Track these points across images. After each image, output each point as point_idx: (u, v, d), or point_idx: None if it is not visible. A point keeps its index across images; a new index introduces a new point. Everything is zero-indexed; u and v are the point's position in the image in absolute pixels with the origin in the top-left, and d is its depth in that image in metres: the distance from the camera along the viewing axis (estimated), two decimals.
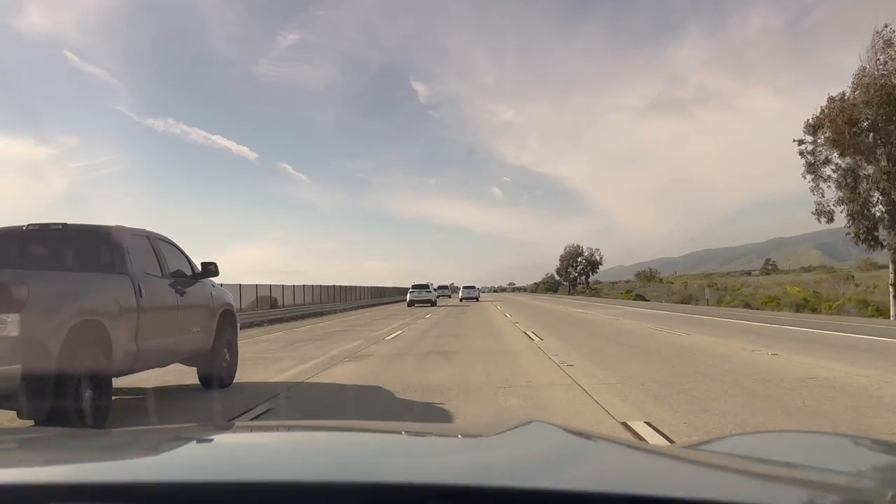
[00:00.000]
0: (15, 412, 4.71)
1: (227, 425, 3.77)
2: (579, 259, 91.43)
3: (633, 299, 52.05)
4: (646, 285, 72.06)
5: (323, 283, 38.34)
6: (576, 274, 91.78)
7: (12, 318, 4.30)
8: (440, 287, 59.84)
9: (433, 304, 41.44)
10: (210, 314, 7.45)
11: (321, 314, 31.00)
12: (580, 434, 1.50)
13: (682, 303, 40.86)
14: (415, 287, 43.25)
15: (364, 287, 50.76)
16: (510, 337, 14.62)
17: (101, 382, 5.16)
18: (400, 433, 1.71)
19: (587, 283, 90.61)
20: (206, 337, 7.34)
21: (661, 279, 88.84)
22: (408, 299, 42.53)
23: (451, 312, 29.19)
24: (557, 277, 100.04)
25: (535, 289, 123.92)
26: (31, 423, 4.86)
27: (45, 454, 1.38)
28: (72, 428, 4.39)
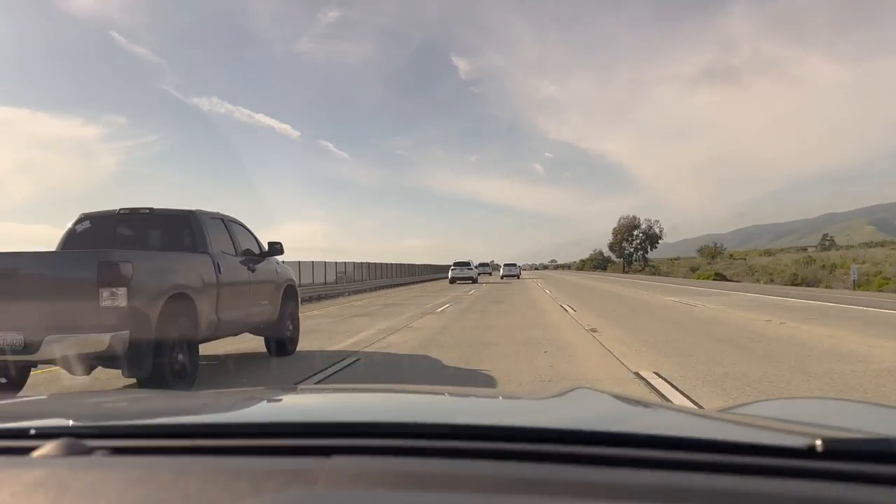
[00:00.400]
0: (120, 371, 5.45)
1: (293, 388, 3.84)
2: (636, 233, 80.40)
3: (711, 279, 42.20)
4: (711, 262, 60.91)
5: (362, 261, 39.24)
6: (631, 249, 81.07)
7: (121, 291, 5.01)
8: (481, 264, 60.48)
9: (474, 281, 42.09)
10: (276, 289, 8.15)
11: (363, 291, 31.94)
12: (627, 399, 1.53)
13: (796, 284, 30.35)
14: (456, 264, 43.98)
15: (403, 264, 51.62)
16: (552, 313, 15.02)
17: (190, 347, 5.89)
18: (453, 396, 1.77)
19: (645, 259, 79.96)
20: (273, 309, 8.05)
21: (731, 255, 74.82)
22: (449, 276, 43.30)
23: (493, 289, 29.74)
24: (609, 254, 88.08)
25: (582, 266, 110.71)
26: (133, 381, 5.62)
27: (162, 405, 1.48)
28: (164, 390, 5.13)
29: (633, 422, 1.24)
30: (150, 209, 6.77)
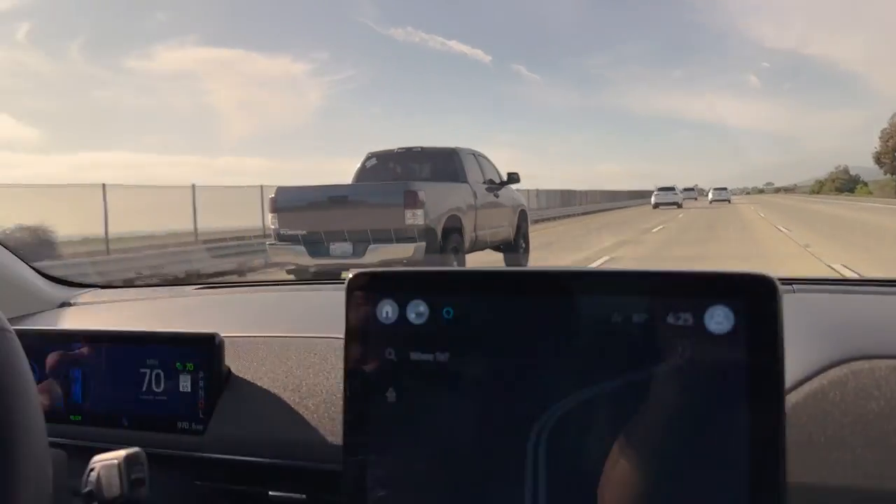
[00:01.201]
0: None
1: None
2: None
3: None
4: None
5: (553, 188, 39.94)
6: None
7: (420, 213, 6.66)
8: (685, 189, 58.20)
9: (679, 206, 41.05)
10: (513, 212, 9.57)
11: (560, 217, 32.91)
12: None
13: None
14: (660, 189, 43.10)
15: (599, 191, 51.37)
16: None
17: (458, 257, 7.51)
18: None
19: None
20: (510, 229, 9.50)
21: None
22: (653, 202, 42.57)
23: (702, 214, 29.14)
24: (877, 166, 52.35)
25: (819, 189, 75.31)
26: None
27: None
28: None
29: None
30: (422, 147, 8.41)
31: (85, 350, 0.82)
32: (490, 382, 0.55)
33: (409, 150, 8.47)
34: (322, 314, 1.01)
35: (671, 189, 43.09)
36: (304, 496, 0.70)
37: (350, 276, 0.58)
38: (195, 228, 15.06)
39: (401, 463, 0.57)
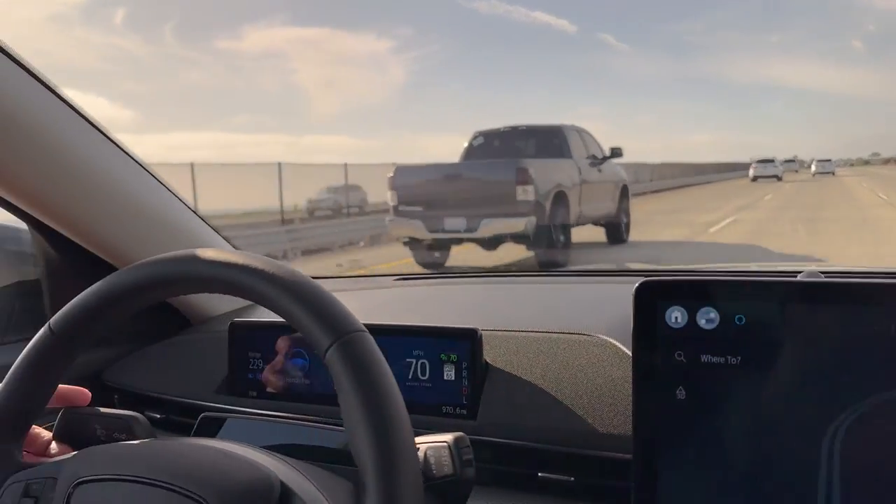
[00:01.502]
0: (524, 247, 7.57)
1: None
2: None
3: None
4: None
5: (642, 161, 38.88)
6: None
7: (530, 189, 6.99)
8: (786, 161, 55.43)
9: (779, 178, 39.27)
10: (615, 187, 9.71)
11: (657, 191, 32.19)
12: None
13: None
14: (759, 162, 41.35)
15: (691, 164, 49.56)
16: None
17: (565, 231, 7.79)
18: None
19: None
20: (613, 205, 9.66)
21: None
22: (751, 174, 40.90)
23: (804, 187, 27.89)
24: None
25: None
26: (519, 257, 7.73)
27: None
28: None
29: None
30: (527, 125, 8.70)
31: None
32: (782, 386, 0.58)
33: (514, 128, 8.78)
34: (548, 307, 1.06)
35: (770, 161, 41.29)
36: (571, 478, 0.73)
37: (638, 284, 0.62)
38: (281, 206, 15.81)
39: (690, 455, 0.60)
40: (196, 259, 0.57)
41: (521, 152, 8.58)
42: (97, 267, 1.02)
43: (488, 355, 0.84)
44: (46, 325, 0.61)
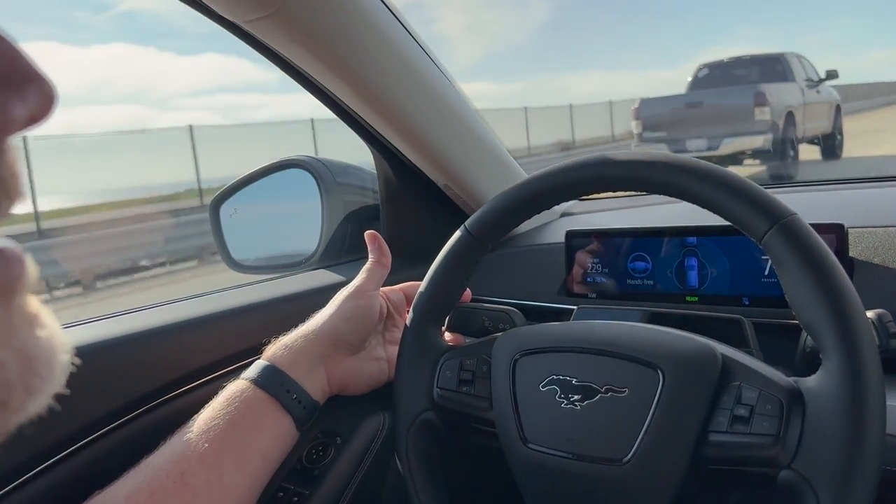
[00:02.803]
0: (759, 162, 8.77)
1: None
2: None
3: None
4: None
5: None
6: None
7: (766, 109, 8.17)
8: None
9: None
10: (830, 107, 10.50)
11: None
12: None
13: None
14: None
15: (871, 83, 45.11)
16: None
17: (796, 146, 8.86)
18: None
19: None
20: (829, 123, 10.42)
21: None
22: None
23: None
24: None
25: None
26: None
27: None
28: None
29: None
30: (751, 55, 9.76)
31: (695, 241, 0.87)
32: None
33: (738, 58, 9.86)
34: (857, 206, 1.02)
35: None
36: None
37: None
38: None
39: None
40: (607, 162, 0.61)
41: (746, 80, 9.67)
42: (429, 191, 1.09)
43: (853, 251, 0.81)
44: (462, 226, 0.69)
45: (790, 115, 8.72)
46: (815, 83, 10.05)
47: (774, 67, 9.50)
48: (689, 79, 10.20)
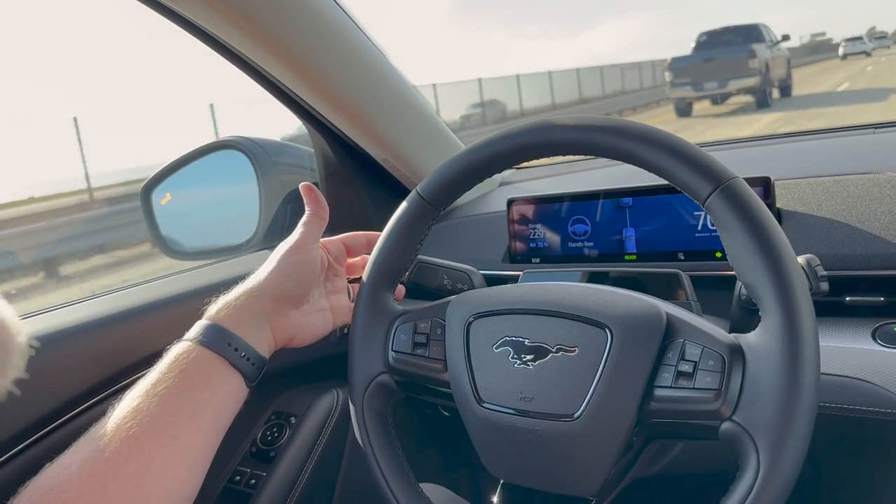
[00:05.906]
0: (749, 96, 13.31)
1: None
2: None
3: None
4: None
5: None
6: None
7: (755, 60, 12.68)
8: (877, 38, 55.28)
9: (868, 55, 40.33)
10: (784, 60, 15.20)
11: None
12: None
13: None
14: (847, 41, 42.54)
15: None
16: None
17: (771, 85, 13.45)
18: None
19: None
20: (784, 71, 15.11)
21: None
22: (840, 52, 42.15)
23: None
24: None
25: None
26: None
27: None
28: None
29: None
30: (735, 25, 14.35)
31: (630, 202, 0.90)
32: None
33: (726, 28, 14.50)
34: (824, 157, 1.06)
35: (859, 38, 42.70)
36: (881, 299, 0.73)
37: None
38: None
39: None
40: (553, 127, 0.61)
41: (734, 42, 14.19)
42: (368, 166, 1.09)
43: (780, 202, 0.85)
44: (414, 191, 0.69)
45: (766, 65, 13.31)
46: (775, 43, 14.73)
47: (752, 33, 14.10)
48: (693, 44, 14.71)
